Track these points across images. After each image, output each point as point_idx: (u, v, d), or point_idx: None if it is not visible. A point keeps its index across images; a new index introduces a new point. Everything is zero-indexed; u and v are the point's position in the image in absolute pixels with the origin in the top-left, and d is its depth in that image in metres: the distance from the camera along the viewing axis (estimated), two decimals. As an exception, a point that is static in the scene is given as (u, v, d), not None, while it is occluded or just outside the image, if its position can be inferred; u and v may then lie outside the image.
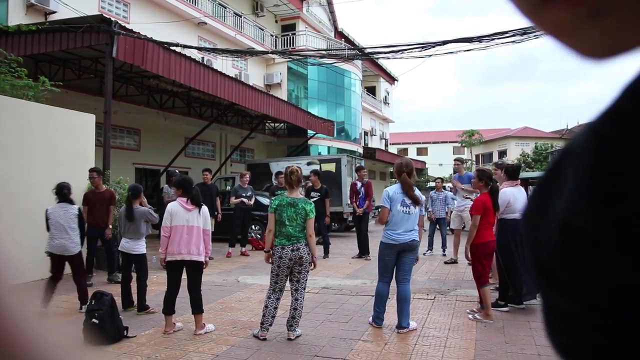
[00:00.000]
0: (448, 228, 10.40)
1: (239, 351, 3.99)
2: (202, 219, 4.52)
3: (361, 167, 10.05)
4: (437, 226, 10.16)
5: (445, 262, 8.73)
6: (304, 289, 4.40)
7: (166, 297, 4.54)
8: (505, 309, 5.33)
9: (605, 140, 0.25)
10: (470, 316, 4.97)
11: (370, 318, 4.75)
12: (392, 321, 4.66)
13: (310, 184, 11.36)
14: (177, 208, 4.47)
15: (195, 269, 4.53)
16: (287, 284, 4.43)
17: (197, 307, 4.47)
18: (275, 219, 4.34)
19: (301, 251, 4.28)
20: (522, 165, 29.61)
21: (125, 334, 4.36)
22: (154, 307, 5.20)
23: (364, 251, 9.41)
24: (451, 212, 9.26)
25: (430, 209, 9.84)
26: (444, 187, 10.65)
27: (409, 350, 3.99)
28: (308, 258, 4.32)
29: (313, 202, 9.64)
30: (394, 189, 4.55)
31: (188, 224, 4.42)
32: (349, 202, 15.19)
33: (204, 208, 4.60)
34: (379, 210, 4.79)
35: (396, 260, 4.55)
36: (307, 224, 4.31)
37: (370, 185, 9.45)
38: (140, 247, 5.35)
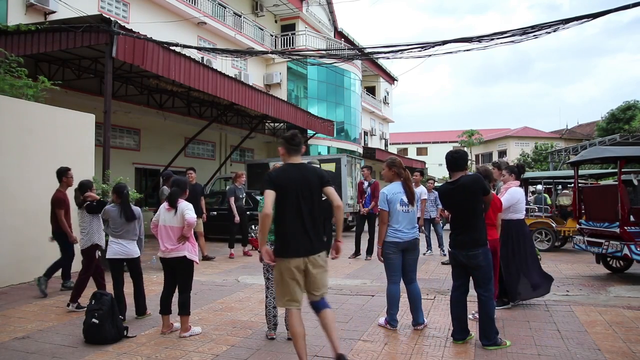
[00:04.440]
0: (443, 227, 10.45)
1: (239, 351, 3.99)
2: (176, 218, 4.46)
3: (366, 166, 10.04)
4: (432, 226, 10.18)
5: (443, 263, 8.70)
6: None
7: (161, 297, 4.56)
8: (508, 306, 5.34)
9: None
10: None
11: (382, 320, 4.69)
12: (400, 320, 4.65)
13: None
14: (162, 209, 4.58)
15: (180, 266, 4.45)
16: None
17: (181, 309, 4.38)
18: None
19: None
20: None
21: (125, 334, 4.36)
22: (155, 307, 5.19)
23: (368, 251, 9.42)
24: (442, 210, 9.46)
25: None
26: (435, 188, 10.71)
27: (409, 350, 3.99)
28: None
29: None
30: (392, 189, 4.54)
31: (165, 224, 4.48)
32: (349, 201, 15.24)
33: (181, 206, 4.47)
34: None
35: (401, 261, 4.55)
36: None
37: (377, 185, 9.37)
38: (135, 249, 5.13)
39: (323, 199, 3.48)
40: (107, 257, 4.96)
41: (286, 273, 3.33)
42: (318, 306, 3.43)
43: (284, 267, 3.34)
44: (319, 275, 3.38)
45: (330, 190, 3.45)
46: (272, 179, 3.37)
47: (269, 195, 3.31)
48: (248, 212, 10.29)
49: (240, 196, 9.90)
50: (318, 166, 15.00)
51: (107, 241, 5.30)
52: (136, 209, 5.11)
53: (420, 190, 9.10)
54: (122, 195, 4.99)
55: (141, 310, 5.12)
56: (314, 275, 3.36)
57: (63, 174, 6.33)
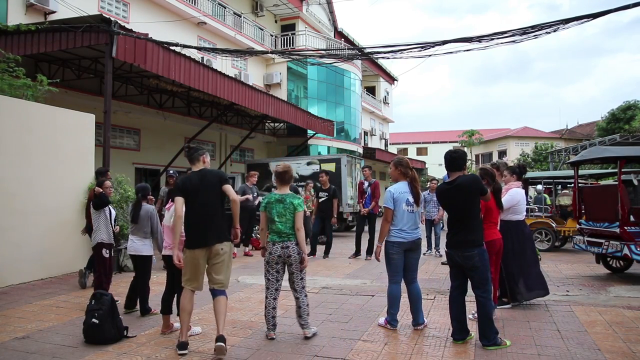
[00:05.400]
0: (442, 228, 10.47)
1: (239, 351, 3.99)
2: (167, 216, 4.59)
3: (367, 166, 10.06)
4: (432, 226, 10.21)
5: (443, 263, 8.71)
6: (303, 287, 4.38)
7: (162, 296, 4.57)
8: (508, 306, 5.34)
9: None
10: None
11: (382, 320, 4.69)
12: (400, 320, 4.65)
13: (312, 185, 11.37)
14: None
15: (173, 265, 4.43)
16: (285, 284, 4.44)
17: (179, 310, 4.34)
18: (266, 216, 4.38)
19: (290, 250, 4.26)
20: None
21: (125, 334, 4.36)
22: (154, 306, 5.19)
23: (369, 251, 9.42)
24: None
25: (422, 210, 9.92)
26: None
27: (409, 350, 3.99)
28: (297, 258, 4.29)
29: (321, 201, 9.68)
30: (398, 188, 4.53)
31: (165, 223, 4.64)
32: (349, 202, 15.24)
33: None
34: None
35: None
36: (295, 218, 4.30)
37: (377, 185, 9.38)
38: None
39: (322, 199, 3.63)
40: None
41: (192, 261, 3.98)
42: (214, 293, 4.02)
43: (191, 256, 3.98)
44: (217, 265, 4.01)
45: (227, 187, 4.06)
46: (179, 187, 4.05)
47: (179, 201, 3.99)
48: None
49: (254, 195, 9.84)
50: (318, 166, 15.05)
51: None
52: (149, 208, 5.19)
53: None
54: (136, 195, 5.27)
55: (144, 309, 5.14)
56: (212, 265, 4.02)
57: (102, 175, 6.63)
